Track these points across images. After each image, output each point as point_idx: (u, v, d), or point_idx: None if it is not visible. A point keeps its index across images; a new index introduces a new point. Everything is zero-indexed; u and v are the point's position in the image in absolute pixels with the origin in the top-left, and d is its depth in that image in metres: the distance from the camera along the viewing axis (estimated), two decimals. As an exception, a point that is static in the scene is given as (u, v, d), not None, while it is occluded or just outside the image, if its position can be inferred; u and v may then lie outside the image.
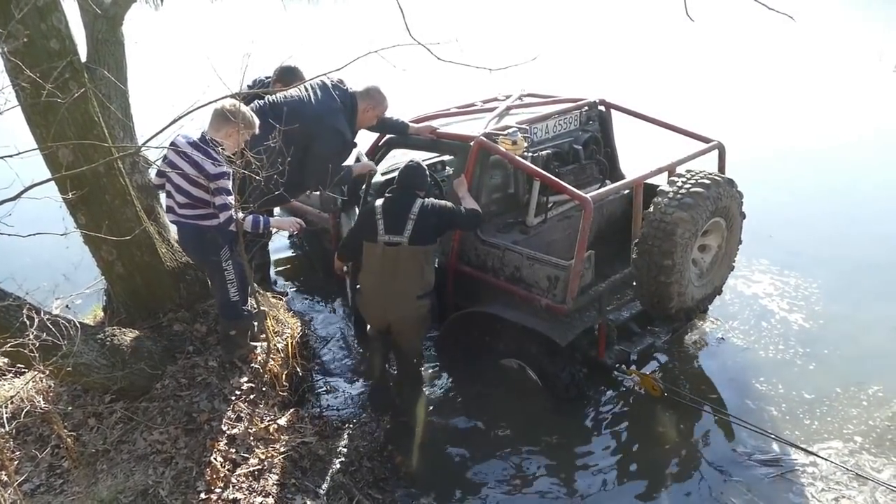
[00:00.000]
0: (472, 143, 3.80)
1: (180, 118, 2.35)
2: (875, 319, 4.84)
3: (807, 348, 4.53)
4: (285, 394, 3.73)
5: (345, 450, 3.46)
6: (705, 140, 4.21)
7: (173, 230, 4.13)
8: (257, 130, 3.31)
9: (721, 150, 4.20)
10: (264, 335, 3.77)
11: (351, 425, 3.69)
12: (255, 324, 3.74)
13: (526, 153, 3.80)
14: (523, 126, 3.92)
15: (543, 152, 4.03)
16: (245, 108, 3.32)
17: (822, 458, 3.51)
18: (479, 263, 3.88)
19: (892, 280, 5.43)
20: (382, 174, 5.01)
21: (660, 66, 13.38)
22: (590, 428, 3.90)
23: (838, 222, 6.52)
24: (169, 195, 3.35)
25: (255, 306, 3.67)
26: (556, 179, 3.63)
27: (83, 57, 3.35)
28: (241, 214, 3.21)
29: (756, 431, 3.65)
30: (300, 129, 3.46)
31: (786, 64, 13.36)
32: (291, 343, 4.06)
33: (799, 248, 5.90)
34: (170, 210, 3.40)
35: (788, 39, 14.67)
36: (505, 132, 3.79)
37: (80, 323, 3.16)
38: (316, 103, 3.86)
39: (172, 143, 3.16)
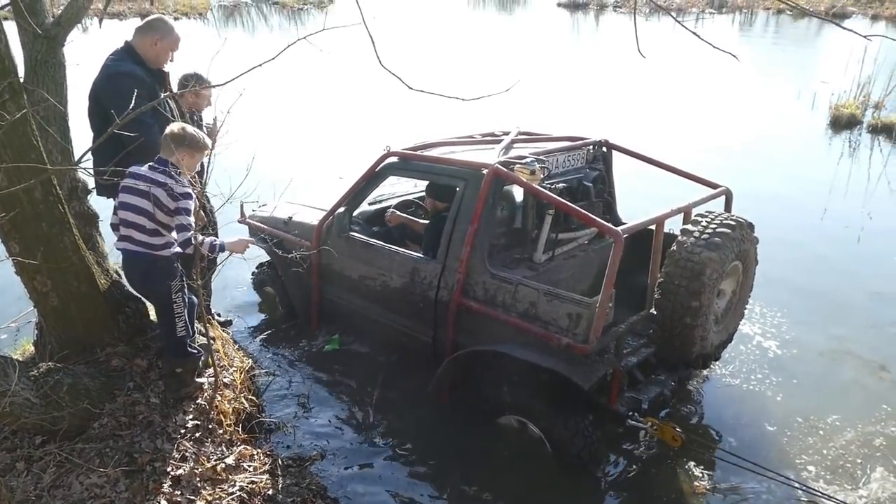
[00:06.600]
0: (485, 171, 3.82)
1: (111, 131, 2.50)
2: (834, 348, 5.24)
3: (778, 377, 4.86)
4: (233, 431, 3.80)
5: (296, 488, 3.56)
6: (711, 185, 4.45)
7: (113, 259, 4.19)
8: (210, 149, 3.50)
9: (728, 195, 4.47)
10: (210, 369, 3.85)
11: (302, 462, 3.79)
12: (204, 357, 3.83)
13: (542, 185, 3.84)
14: (540, 157, 3.98)
15: (558, 185, 4.08)
16: (192, 131, 3.48)
17: (778, 478, 3.72)
18: (487, 298, 3.81)
19: (845, 305, 5.90)
20: (371, 203, 5.14)
21: (612, 100, 14.36)
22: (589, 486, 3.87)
23: (781, 250, 6.98)
24: (126, 225, 3.43)
25: (205, 337, 3.76)
26: (586, 212, 3.65)
27: (21, 78, 3.44)
28: (200, 237, 3.38)
29: (737, 465, 3.70)
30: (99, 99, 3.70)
31: (718, 99, 14.80)
32: (239, 377, 4.15)
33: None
34: (125, 239, 3.46)
35: (723, 76, 16.27)
36: (522, 161, 3.84)
37: (15, 360, 3.21)
38: (100, 69, 3.93)
39: (131, 174, 3.31)
